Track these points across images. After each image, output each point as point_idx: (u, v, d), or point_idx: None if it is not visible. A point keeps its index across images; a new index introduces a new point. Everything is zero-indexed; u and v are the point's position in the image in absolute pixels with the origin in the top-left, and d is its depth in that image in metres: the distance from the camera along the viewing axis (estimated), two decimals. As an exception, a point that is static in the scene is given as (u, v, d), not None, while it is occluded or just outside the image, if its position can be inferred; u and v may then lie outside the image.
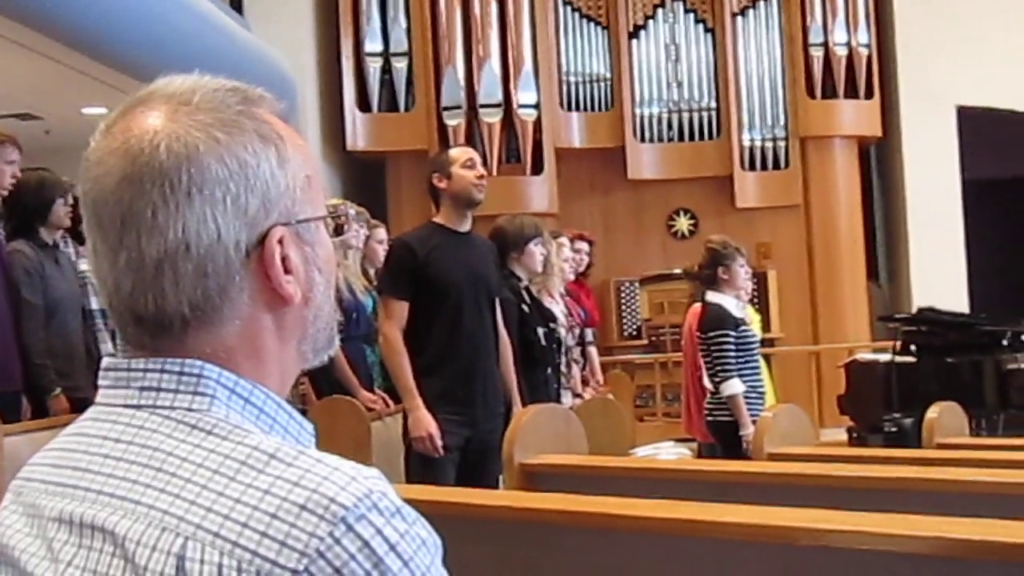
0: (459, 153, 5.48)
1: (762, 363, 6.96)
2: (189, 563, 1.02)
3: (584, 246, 8.20)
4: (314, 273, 1.24)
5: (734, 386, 6.28)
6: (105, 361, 1.21)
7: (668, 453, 8.31)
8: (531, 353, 6.30)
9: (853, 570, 2.25)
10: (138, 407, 1.15)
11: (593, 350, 8.08)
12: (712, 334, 6.38)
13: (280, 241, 1.19)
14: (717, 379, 6.35)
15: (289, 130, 1.25)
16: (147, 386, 1.15)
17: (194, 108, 1.18)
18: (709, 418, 6.52)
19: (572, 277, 8.02)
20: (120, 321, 1.19)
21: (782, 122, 13.88)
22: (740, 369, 6.35)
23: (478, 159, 5.43)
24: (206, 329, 1.16)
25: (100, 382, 1.20)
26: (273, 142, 1.20)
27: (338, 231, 1.50)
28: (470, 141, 12.76)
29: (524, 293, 6.42)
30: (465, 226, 5.40)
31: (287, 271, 1.20)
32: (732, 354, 6.33)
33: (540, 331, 6.42)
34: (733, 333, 6.37)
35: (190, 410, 1.13)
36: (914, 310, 10.40)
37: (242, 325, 1.18)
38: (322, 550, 1.02)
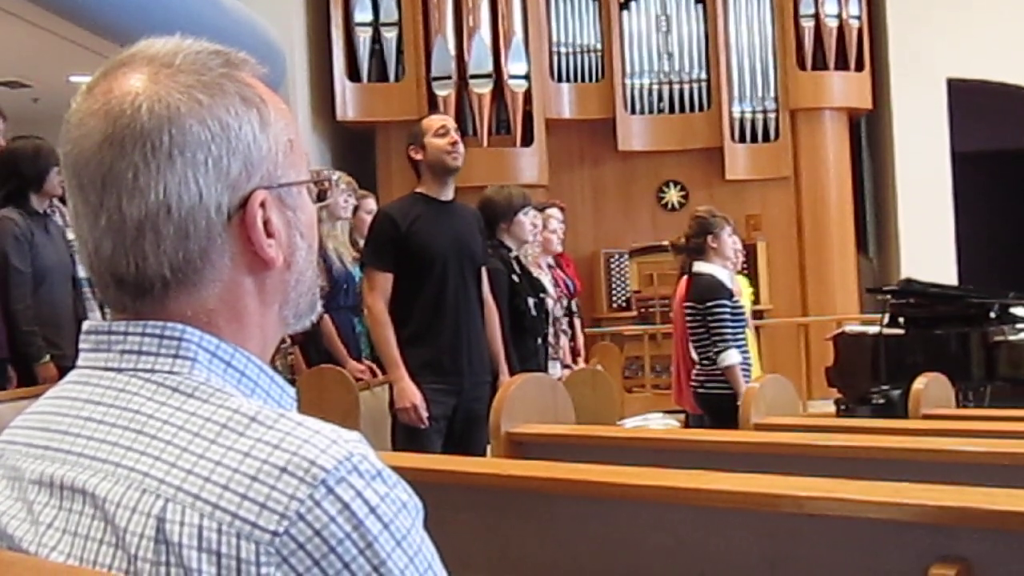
0: (430, 122, 5.41)
1: (748, 334, 6.94)
2: (169, 525, 1.02)
3: (558, 214, 8.12)
4: (296, 237, 1.25)
5: (732, 357, 6.22)
6: (86, 324, 1.20)
7: (656, 424, 8.33)
8: (521, 323, 6.29)
9: (836, 537, 2.26)
10: (119, 370, 1.15)
11: (577, 321, 8.07)
12: (709, 304, 6.30)
13: (262, 204, 1.19)
14: (716, 349, 6.27)
15: (271, 94, 1.24)
16: (128, 349, 1.15)
17: (176, 70, 1.18)
18: (700, 390, 6.45)
19: (560, 248, 7.99)
20: (101, 283, 1.19)
21: (772, 94, 13.86)
22: (735, 339, 6.31)
23: (451, 125, 5.37)
24: (187, 292, 1.16)
25: (81, 345, 1.20)
26: (255, 105, 1.20)
27: (321, 197, 1.49)
28: (460, 112, 12.75)
29: (514, 263, 6.40)
30: (447, 195, 5.37)
31: (269, 235, 1.20)
32: (729, 324, 6.28)
33: (530, 301, 6.41)
34: (729, 303, 6.34)
35: (171, 373, 1.13)
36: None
37: (223, 288, 1.18)
38: (302, 512, 1.02)
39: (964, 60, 13.79)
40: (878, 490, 2.23)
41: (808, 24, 13.71)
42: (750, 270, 13.06)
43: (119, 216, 1.14)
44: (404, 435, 5.17)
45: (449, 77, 13.01)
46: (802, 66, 13.79)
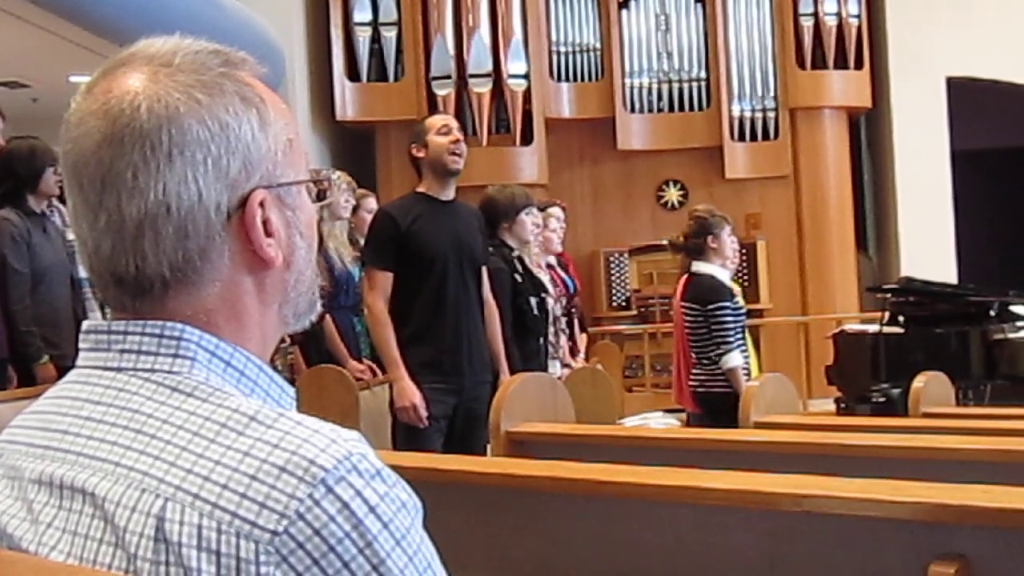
0: (433, 120, 5.44)
1: (746, 334, 6.93)
2: (168, 524, 1.03)
3: (559, 213, 8.10)
4: (295, 237, 1.25)
5: (735, 359, 6.20)
6: (86, 324, 1.20)
7: (656, 423, 8.31)
8: (524, 323, 6.29)
9: (836, 535, 2.26)
10: (119, 369, 1.15)
11: (576, 321, 8.07)
12: (712, 306, 6.28)
13: (261, 204, 1.19)
14: (718, 351, 6.25)
15: (271, 93, 1.24)
16: (128, 348, 1.15)
17: (175, 70, 1.18)
18: (700, 390, 6.41)
19: (560, 248, 7.98)
20: (101, 283, 1.19)
21: (772, 93, 13.83)
22: (737, 341, 6.30)
23: (454, 124, 5.38)
24: (186, 291, 1.17)
25: (81, 344, 1.20)
26: (255, 104, 1.20)
27: (321, 196, 1.48)
28: (459, 111, 12.73)
29: (516, 262, 6.40)
30: (448, 194, 5.37)
31: (268, 234, 1.20)
32: (731, 325, 6.26)
33: (532, 300, 6.41)
34: (730, 304, 6.32)
35: (171, 372, 1.13)
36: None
37: (222, 287, 1.18)
38: (302, 512, 1.02)
39: (964, 59, 13.78)
40: (878, 488, 2.23)
41: (807, 23, 13.69)
42: (750, 269, 13.09)
43: (119, 216, 1.14)
44: (404, 434, 5.17)
45: (449, 77, 13.01)
46: (801, 65, 13.77)
